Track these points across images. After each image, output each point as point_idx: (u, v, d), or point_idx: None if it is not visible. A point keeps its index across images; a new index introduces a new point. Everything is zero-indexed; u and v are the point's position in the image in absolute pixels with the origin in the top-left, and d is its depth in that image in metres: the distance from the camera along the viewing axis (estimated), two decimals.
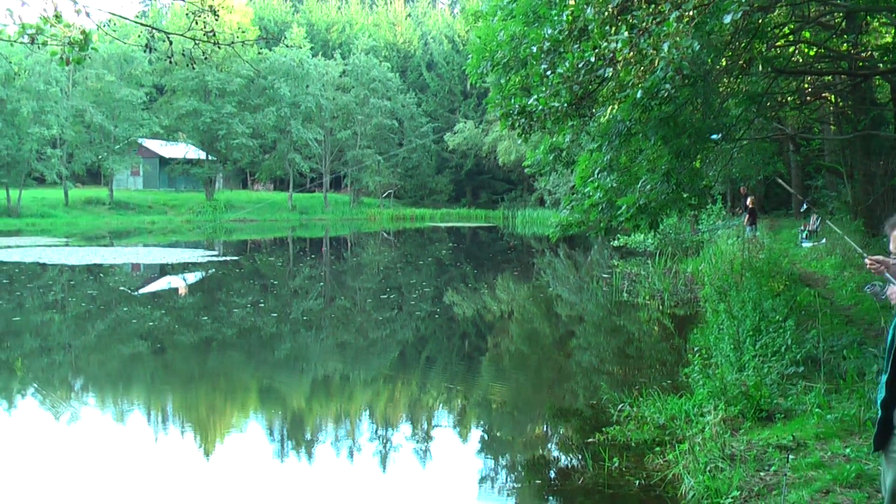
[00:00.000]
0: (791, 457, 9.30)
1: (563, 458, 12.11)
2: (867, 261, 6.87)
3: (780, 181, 15.79)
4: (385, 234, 67.38)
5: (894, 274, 6.77)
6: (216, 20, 10.52)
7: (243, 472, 11.22)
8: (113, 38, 62.77)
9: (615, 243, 42.31)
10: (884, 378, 6.20)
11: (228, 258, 43.34)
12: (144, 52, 11.08)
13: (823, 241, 30.07)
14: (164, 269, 36.96)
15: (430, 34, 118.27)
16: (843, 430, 10.04)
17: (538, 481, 10.85)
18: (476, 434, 13.66)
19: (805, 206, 38.70)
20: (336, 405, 15.51)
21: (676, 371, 15.39)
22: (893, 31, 24.45)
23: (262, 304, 26.73)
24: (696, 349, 15.99)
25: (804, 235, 33.75)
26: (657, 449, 10.81)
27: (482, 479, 11.28)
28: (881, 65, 21.22)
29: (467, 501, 10.38)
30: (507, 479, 11.43)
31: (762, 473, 9.07)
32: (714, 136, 14.92)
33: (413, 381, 17.41)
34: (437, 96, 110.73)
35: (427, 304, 27.23)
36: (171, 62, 12.79)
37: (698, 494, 8.93)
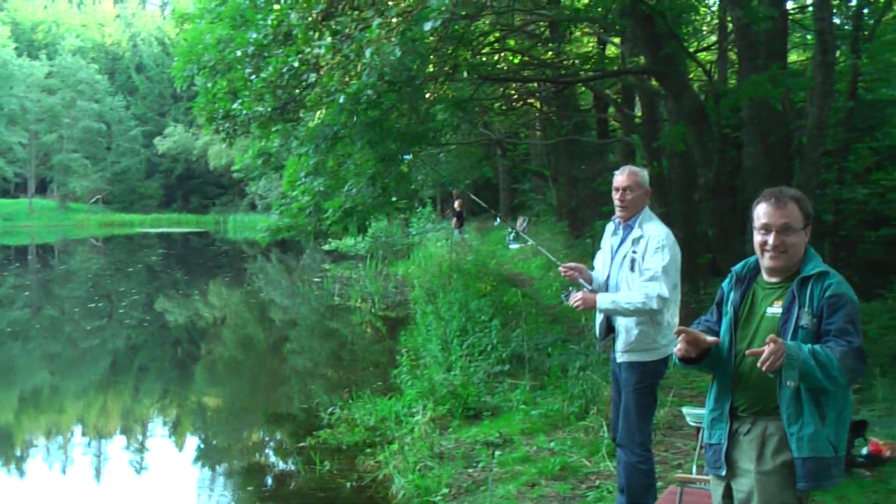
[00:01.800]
0: (498, 452, 9.54)
1: (277, 463, 12.11)
2: (561, 269, 7.14)
3: (472, 196, 16.29)
4: (94, 241, 65.35)
5: (588, 279, 7.07)
6: None
7: None
8: None
9: (327, 247, 42.26)
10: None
11: None
12: None
13: (530, 242, 31.01)
14: None
15: (140, 36, 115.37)
16: (547, 424, 10.37)
17: (251, 488, 10.76)
18: (192, 442, 13.51)
19: (498, 220, 39.81)
20: (46, 418, 14.90)
21: (388, 373, 15.51)
22: (595, 40, 25.43)
23: None
24: (405, 350, 16.20)
25: (511, 237, 34.64)
26: (368, 450, 10.86)
27: (199, 488, 11.16)
28: (582, 72, 22.02)
29: None
30: (223, 486, 11.30)
31: (470, 470, 9.27)
32: (405, 157, 15.16)
33: (126, 391, 17.03)
34: (146, 99, 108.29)
35: (138, 312, 26.58)
36: None
37: (409, 493, 9.03)
